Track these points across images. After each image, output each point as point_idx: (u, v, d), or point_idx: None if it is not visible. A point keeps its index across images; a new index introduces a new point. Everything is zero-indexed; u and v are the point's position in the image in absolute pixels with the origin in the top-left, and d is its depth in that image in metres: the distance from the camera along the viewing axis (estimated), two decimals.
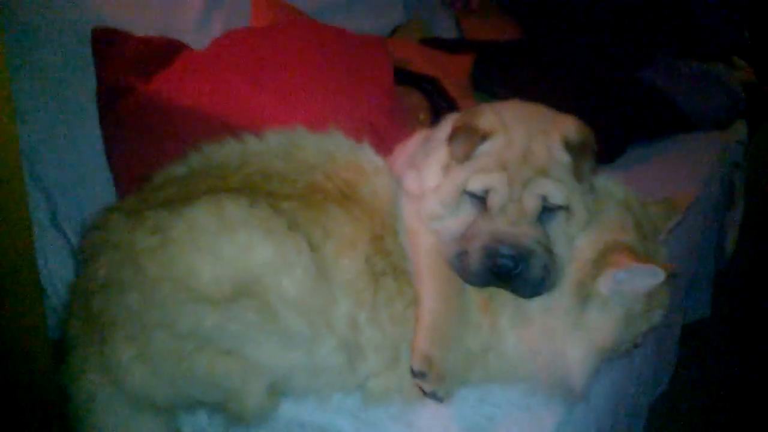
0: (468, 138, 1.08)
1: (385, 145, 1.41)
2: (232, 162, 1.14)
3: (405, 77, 2.01)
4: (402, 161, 1.26)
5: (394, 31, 2.68)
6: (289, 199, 1.07)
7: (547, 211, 1.05)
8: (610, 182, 1.16)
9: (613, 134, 2.29)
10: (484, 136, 1.07)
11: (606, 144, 2.28)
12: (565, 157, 1.07)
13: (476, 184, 1.05)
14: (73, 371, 1.09)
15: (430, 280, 1.08)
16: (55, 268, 1.44)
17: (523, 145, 1.06)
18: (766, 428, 2.35)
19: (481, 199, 1.06)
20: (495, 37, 2.89)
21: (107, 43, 1.60)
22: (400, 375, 1.09)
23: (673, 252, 1.80)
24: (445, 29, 2.95)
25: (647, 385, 1.70)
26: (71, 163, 1.53)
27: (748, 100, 2.91)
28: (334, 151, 1.17)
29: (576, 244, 1.08)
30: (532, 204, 1.03)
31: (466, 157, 1.07)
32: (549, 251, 1.04)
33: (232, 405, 1.07)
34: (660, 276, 1.02)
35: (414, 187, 1.16)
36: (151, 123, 1.50)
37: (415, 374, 1.03)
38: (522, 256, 1.01)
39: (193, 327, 1.01)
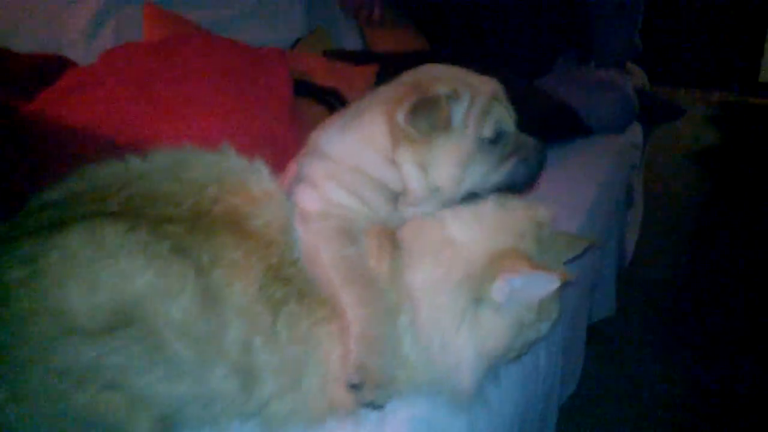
0: (438, 106, 1.07)
1: (285, 157, 1.38)
2: (113, 184, 1.07)
3: (306, 89, 1.98)
4: (291, 178, 1.22)
5: (296, 43, 2.65)
6: (173, 223, 1.02)
7: None
8: (532, 203, 1.16)
9: None
10: (453, 96, 1.09)
11: None
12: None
13: (488, 127, 1.11)
14: None
15: (348, 290, 1.04)
16: None
17: (483, 86, 1.13)
18: (676, 423, 2.44)
19: (493, 142, 1.12)
20: (400, 48, 2.91)
21: None
22: (304, 394, 1.05)
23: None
24: (350, 41, 2.95)
25: (555, 388, 1.73)
26: None
27: (641, 105, 3.04)
28: (223, 173, 1.11)
29: (473, 237, 1.08)
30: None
31: (449, 123, 1.08)
32: None
33: None
34: (555, 283, 1.03)
35: (313, 205, 1.12)
36: (34, 145, 1.42)
37: (351, 387, 0.99)
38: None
39: (69, 362, 0.94)
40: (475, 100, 1.11)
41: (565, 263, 1.17)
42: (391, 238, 1.12)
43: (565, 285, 1.05)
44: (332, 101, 2.03)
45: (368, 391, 0.99)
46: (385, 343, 1.03)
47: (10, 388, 0.95)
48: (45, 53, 1.65)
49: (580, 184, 2.32)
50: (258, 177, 1.13)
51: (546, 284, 1.03)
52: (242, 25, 2.34)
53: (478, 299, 1.03)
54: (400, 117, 1.09)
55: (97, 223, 0.97)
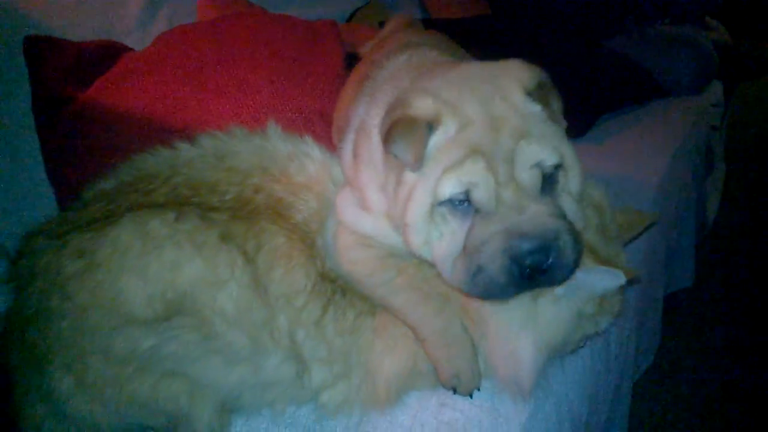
0: (411, 135, 0.84)
1: None
2: (160, 173, 1.08)
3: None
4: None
5: (352, 15, 2.60)
6: (218, 211, 1.02)
7: (546, 179, 0.85)
8: (588, 184, 1.07)
9: (582, 107, 2.24)
10: (430, 125, 0.85)
11: (576, 117, 2.25)
12: (533, 107, 0.86)
13: (449, 188, 0.83)
14: (17, 404, 1.05)
15: (411, 308, 1.01)
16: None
17: (483, 115, 0.84)
18: (753, 394, 2.31)
19: (462, 203, 0.85)
20: (460, 15, 2.82)
21: (41, 52, 1.53)
22: (355, 385, 1.04)
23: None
24: (408, 10, 2.87)
25: (628, 365, 1.65)
26: (11, 181, 1.46)
27: (722, 62, 2.85)
28: (266, 161, 1.10)
29: None
30: (529, 179, 0.83)
31: (418, 159, 0.84)
32: (567, 220, 0.85)
33: (181, 428, 1.03)
34: (621, 279, 0.97)
35: (365, 224, 1.01)
36: (90, 131, 1.44)
37: (447, 389, 1.04)
38: (550, 244, 0.82)
39: (129, 351, 0.96)
40: (459, 137, 0.84)
41: (628, 243, 1.10)
42: None
43: (631, 282, 0.99)
44: None
45: (464, 388, 1.03)
46: (465, 345, 1.03)
47: (76, 378, 0.98)
48: (100, 40, 1.66)
49: (653, 150, 2.21)
50: (300, 163, 1.11)
51: (610, 280, 0.98)
52: None
53: (537, 294, 0.98)
54: (375, 137, 0.95)
55: (145, 214, 0.99)
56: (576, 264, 0.86)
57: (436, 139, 0.85)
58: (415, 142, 0.84)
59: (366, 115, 1.03)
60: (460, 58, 1.20)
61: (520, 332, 0.98)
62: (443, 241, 0.87)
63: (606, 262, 0.99)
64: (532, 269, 0.82)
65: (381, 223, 0.97)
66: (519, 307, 0.98)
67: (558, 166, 0.85)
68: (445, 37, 1.46)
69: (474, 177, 0.82)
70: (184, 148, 1.12)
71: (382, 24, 2.50)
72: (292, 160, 1.12)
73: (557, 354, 1.03)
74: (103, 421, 1.02)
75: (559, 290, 0.96)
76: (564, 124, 0.88)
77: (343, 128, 1.17)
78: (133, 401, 0.99)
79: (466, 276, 0.85)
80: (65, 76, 1.52)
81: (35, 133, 1.49)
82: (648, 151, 2.19)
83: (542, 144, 0.83)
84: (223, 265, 0.96)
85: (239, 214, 1.02)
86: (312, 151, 1.14)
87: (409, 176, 0.87)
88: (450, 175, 0.83)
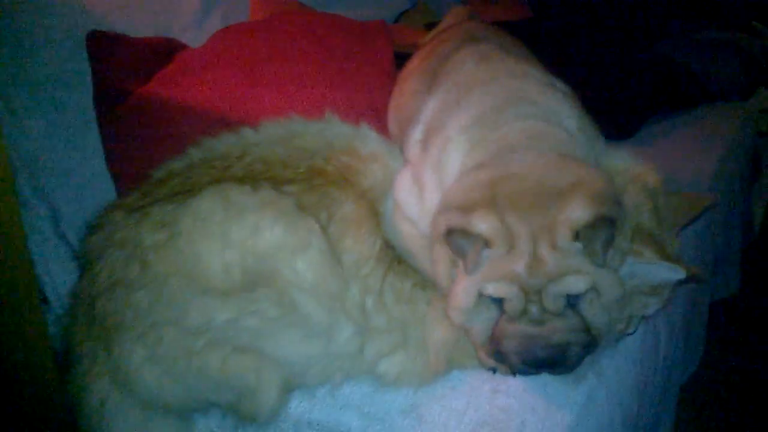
0: (471, 248, 0.94)
1: (387, 128, 1.41)
2: (231, 153, 1.12)
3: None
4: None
5: (399, 17, 2.63)
6: (291, 184, 1.05)
7: (573, 297, 0.96)
8: (641, 167, 1.09)
9: (629, 109, 2.23)
10: (486, 244, 0.94)
11: (623, 119, 2.24)
12: (575, 246, 0.93)
13: (490, 291, 0.95)
14: (81, 379, 1.07)
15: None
16: (59, 277, 1.42)
17: (527, 251, 0.93)
18: None
19: (499, 301, 0.97)
20: (504, 18, 2.83)
21: (103, 47, 1.58)
22: (412, 355, 1.05)
23: (697, 229, 1.76)
24: None
25: (676, 367, 1.64)
26: (72, 171, 1.51)
27: None
28: (332, 138, 1.14)
29: None
30: (554, 305, 0.94)
31: (473, 268, 0.95)
32: (586, 331, 0.96)
33: (245, 404, 1.03)
34: (680, 274, 0.97)
35: (413, 210, 1.08)
36: (148, 125, 1.48)
37: (486, 369, 1.06)
38: (558, 353, 0.95)
39: (204, 322, 0.98)
40: (505, 260, 0.94)
41: (684, 227, 1.10)
42: None
43: (692, 279, 0.99)
44: None
45: (504, 369, 1.04)
46: None
47: (148, 349, 0.99)
48: (159, 37, 1.70)
49: (700, 154, 2.19)
50: (364, 140, 1.14)
51: (669, 274, 0.98)
52: (346, 0, 2.33)
53: None
54: (451, 150, 1.04)
55: (224, 186, 1.01)
56: (582, 362, 0.98)
57: (488, 254, 0.94)
58: (473, 254, 0.94)
59: (443, 114, 1.10)
60: (524, 57, 1.27)
61: None
62: (480, 323, 0.99)
63: (663, 249, 0.98)
64: (541, 367, 0.97)
65: (426, 217, 1.05)
66: None
67: (587, 290, 0.95)
68: (505, 32, 1.49)
69: (508, 294, 0.94)
70: (250, 133, 1.15)
71: (428, 26, 2.54)
72: (356, 137, 1.15)
73: (604, 331, 1.01)
74: (170, 396, 1.03)
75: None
76: (603, 258, 0.93)
77: (409, 117, 1.20)
78: (203, 375, 1.00)
79: (492, 352, 0.99)
80: (126, 70, 1.56)
81: (96, 125, 1.54)
82: (695, 155, 2.17)
83: (570, 282, 0.93)
84: (304, 230, 0.97)
85: (313, 184, 1.05)
86: (370, 133, 1.17)
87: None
88: (492, 283, 0.95)
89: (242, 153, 1.12)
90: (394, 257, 1.07)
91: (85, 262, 1.09)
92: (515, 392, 1.05)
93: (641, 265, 0.96)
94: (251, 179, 1.04)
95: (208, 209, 0.97)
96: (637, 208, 1.03)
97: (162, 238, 0.98)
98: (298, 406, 1.08)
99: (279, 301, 0.96)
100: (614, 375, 1.17)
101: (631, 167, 1.08)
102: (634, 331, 1.10)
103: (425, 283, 1.08)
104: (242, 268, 0.95)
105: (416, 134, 1.14)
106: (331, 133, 1.16)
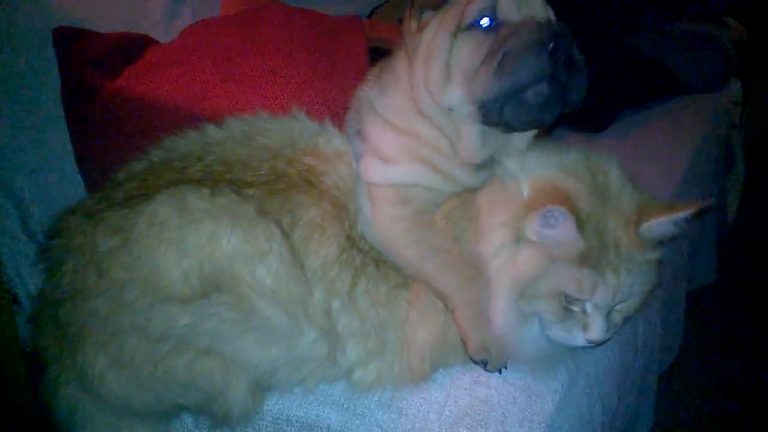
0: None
1: None
2: (192, 153, 1.09)
3: (382, 56, 1.94)
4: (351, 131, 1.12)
5: (372, 12, 2.62)
6: (252, 187, 1.02)
7: None
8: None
9: (603, 103, 2.24)
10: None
11: (597, 113, 2.25)
12: None
13: (476, 7, 0.91)
14: (51, 385, 1.05)
15: (443, 274, 1.01)
16: (29, 277, 1.39)
17: None
18: None
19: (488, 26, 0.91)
20: None
21: (70, 43, 1.54)
22: (388, 361, 1.04)
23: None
24: None
25: (654, 358, 1.64)
26: (41, 169, 1.47)
27: (740, 60, 2.84)
28: (296, 136, 1.12)
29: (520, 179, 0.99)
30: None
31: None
32: None
33: (215, 406, 1.03)
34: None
35: (387, 183, 1.03)
36: (118, 121, 1.45)
37: (476, 362, 1.03)
38: (571, 40, 0.91)
39: (165, 328, 0.96)
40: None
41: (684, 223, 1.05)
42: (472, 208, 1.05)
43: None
44: None
45: (493, 365, 1.03)
46: None
47: (110, 356, 0.97)
48: (128, 32, 1.67)
49: (675, 146, 2.21)
50: (327, 137, 1.12)
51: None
52: None
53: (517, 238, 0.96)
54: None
55: (181, 189, 0.98)
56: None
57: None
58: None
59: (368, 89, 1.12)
60: None
61: (497, 278, 0.98)
62: (464, 54, 0.92)
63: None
64: (558, 53, 0.88)
65: (406, 165, 1.02)
66: (501, 247, 0.97)
67: None
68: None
69: None
70: (213, 130, 1.13)
71: (401, 21, 2.53)
72: (320, 135, 1.13)
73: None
74: (138, 401, 1.01)
75: (531, 236, 0.95)
76: None
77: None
78: (169, 379, 0.99)
79: (489, 73, 0.89)
80: (94, 66, 1.53)
81: (64, 122, 1.50)
82: (669, 147, 2.19)
83: None
84: (262, 237, 0.95)
85: (274, 188, 1.02)
86: (336, 130, 1.15)
87: (432, 26, 0.94)
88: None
89: (202, 152, 1.09)
90: (367, 261, 1.04)
91: (47, 267, 1.06)
92: (495, 383, 1.04)
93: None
94: (211, 181, 1.02)
95: (164, 214, 0.94)
96: (577, 175, 1.00)
97: (117, 244, 0.95)
98: (276, 403, 1.07)
99: (237, 305, 0.95)
100: (593, 364, 1.17)
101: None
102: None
103: (407, 282, 1.06)
104: (200, 275, 0.93)
105: (353, 116, 1.13)
106: (296, 130, 1.13)
